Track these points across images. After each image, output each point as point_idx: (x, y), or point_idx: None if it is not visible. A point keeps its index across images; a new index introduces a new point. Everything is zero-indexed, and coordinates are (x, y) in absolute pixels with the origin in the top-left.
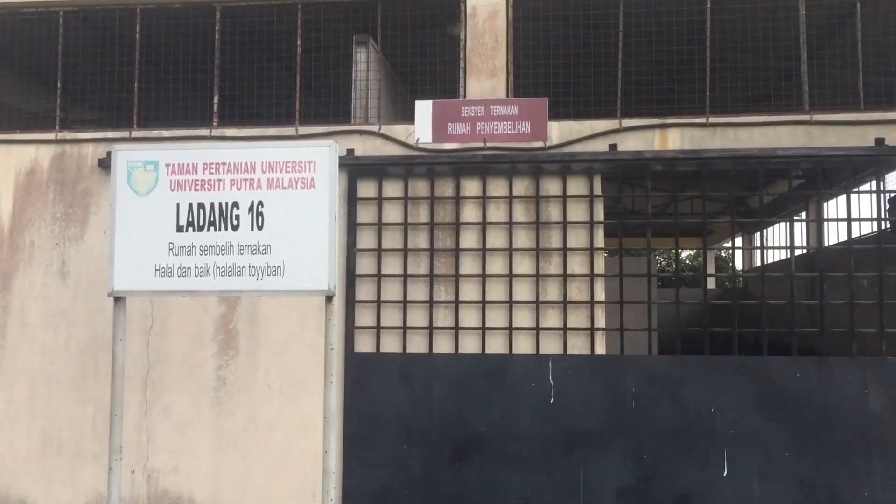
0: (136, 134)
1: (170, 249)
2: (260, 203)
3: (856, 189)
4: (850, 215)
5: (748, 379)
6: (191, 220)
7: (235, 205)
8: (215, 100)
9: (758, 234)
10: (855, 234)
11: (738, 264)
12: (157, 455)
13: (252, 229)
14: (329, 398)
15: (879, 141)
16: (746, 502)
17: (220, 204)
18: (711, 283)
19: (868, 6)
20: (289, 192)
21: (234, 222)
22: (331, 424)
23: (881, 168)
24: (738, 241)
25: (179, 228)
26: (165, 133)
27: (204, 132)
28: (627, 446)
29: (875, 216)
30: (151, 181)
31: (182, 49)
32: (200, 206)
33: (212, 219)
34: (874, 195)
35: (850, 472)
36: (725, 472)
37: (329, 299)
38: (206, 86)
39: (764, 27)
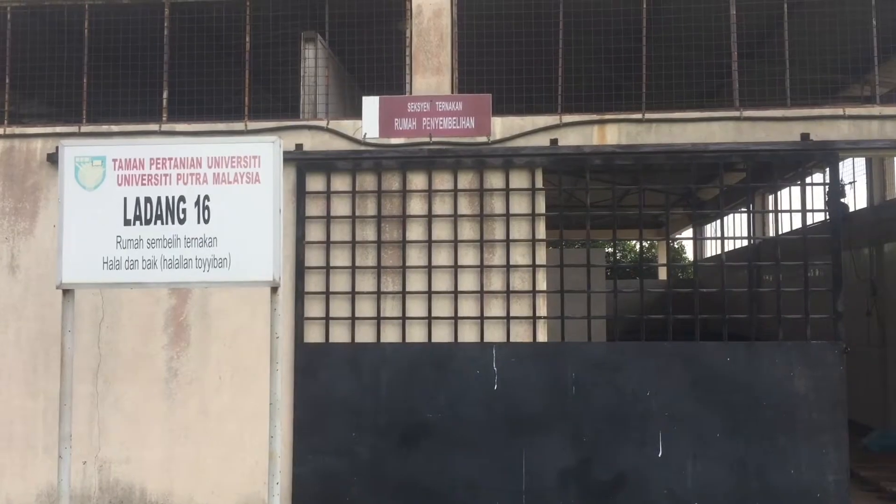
0: (85, 129)
1: (117, 243)
2: (206, 197)
3: (796, 183)
4: (777, 207)
5: (682, 363)
6: (138, 214)
7: (182, 199)
8: (164, 95)
9: (708, 227)
10: (794, 227)
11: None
12: (109, 446)
13: (199, 223)
14: (274, 385)
15: (805, 136)
16: (680, 481)
17: (167, 198)
18: (669, 274)
19: (795, 10)
20: (234, 187)
21: (181, 216)
22: (276, 410)
23: (805, 162)
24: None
25: (127, 222)
26: (115, 128)
27: (153, 127)
28: (568, 430)
29: (817, 208)
30: (99, 176)
31: (131, 44)
32: (147, 200)
33: (159, 213)
34: (810, 188)
35: (778, 452)
36: (660, 453)
37: (274, 290)
38: (157, 81)
39: (706, 26)
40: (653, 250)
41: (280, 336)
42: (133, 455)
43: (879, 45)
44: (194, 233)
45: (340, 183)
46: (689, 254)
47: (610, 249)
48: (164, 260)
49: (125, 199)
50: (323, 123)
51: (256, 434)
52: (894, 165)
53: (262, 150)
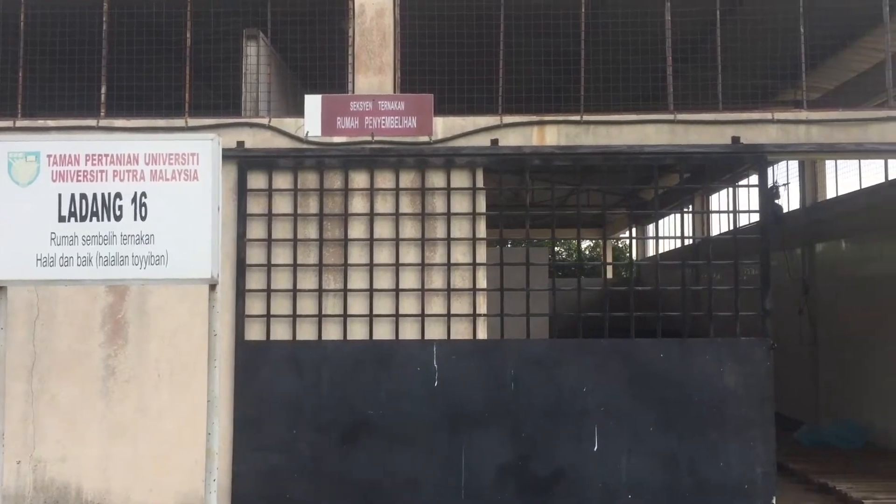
0: (20, 123)
1: (52, 239)
2: (143, 194)
3: (729, 185)
4: (707, 208)
5: (618, 360)
6: (73, 210)
7: (118, 196)
8: (103, 90)
9: (650, 227)
10: (736, 227)
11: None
12: (44, 445)
13: (135, 220)
14: (213, 382)
15: (735, 139)
16: (615, 476)
17: (103, 195)
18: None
19: (728, 18)
20: (172, 184)
21: (117, 213)
22: (214, 408)
23: (738, 164)
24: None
25: (61, 219)
26: (51, 123)
27: (91, 122)
28: (507, 426)
29: (750, 209)
30: (33, 172)
31: (69, 38)
32: (83, 196)
33: (94, 209)
34: (746, 190)
35: (708, 446)
36: (596, 448)
37: (212, 287)
38: (95, 76)
39: (643, 31)
40: (598, 250)
41: (219, 334)
42: (69, 454)
43: (807, 52)
44: (131, 230)
45: (282, 181)
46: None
47: (555, 248)
48: (100, 257)
49: (60, 195)
50: (265, 121)
51: (195, 432)
52: (826, 168)
53: (201, 147)
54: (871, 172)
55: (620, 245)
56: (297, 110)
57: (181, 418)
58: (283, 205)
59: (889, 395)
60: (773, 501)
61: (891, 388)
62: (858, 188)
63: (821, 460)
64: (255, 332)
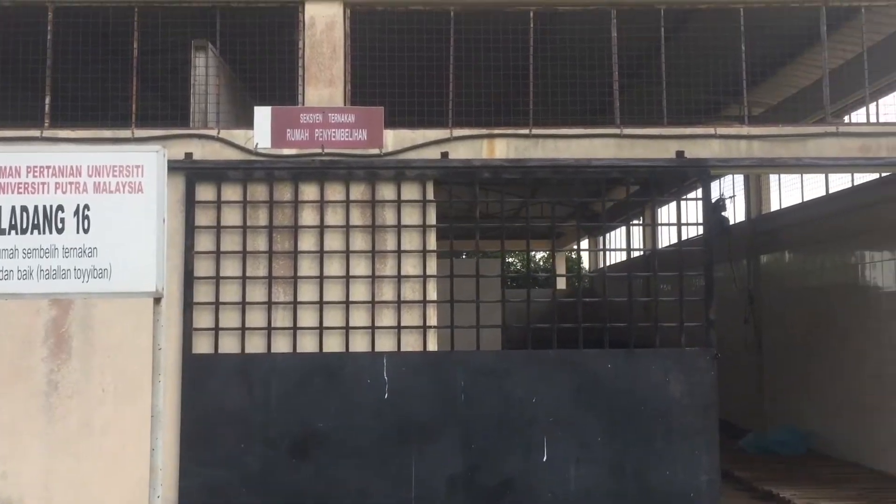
0: None
1: None
2: (86, 206)
3: (674, 199)
4: (655, 221)
5: (566, 371)
6: (13, 222)
7: (60, 208)
8: (47, 100)
9: (602, 239)
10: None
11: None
12: None
13: (78, 232)
14: (157, 397)
15: (680, 154)
16: (563, 485)
17: (45, 207)
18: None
19: (673, 35)
20: (116, 196)
21: (59, 225)
22: (158, 423)
23: (682, 178)
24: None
25: (1, 231)
26: None
27: (35, 133)
28: (457, 437)
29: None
30: None
31: (13, 47)
32: (24, 209)
33: (35, 222)
34: (693, 203)
35: (654, 454)
36: (545, 458)
37: (157, 301)
38: (39, 85)
39: (591, 47)
40: (551, 261)
41: (165, 347)
42: (10, 469)
43: (749, 69)
44: (73, 242)
45: (231, 193)
46: (586, 264)
47: (508, 260)
48: (41, 270)
49: (0, 207)
50: (214, 132)
51: (141, 447)
52: (770, 181)
53: (146, 159)
54: (814, 186)
55: (574, 256)
56: (247, 122)
57: (126, 433)
58: (232, 217)
59: (830, 403)
60: None
61: (831, 395)
62: (800, 201)
63: (765, 467)
64: (203, 346)
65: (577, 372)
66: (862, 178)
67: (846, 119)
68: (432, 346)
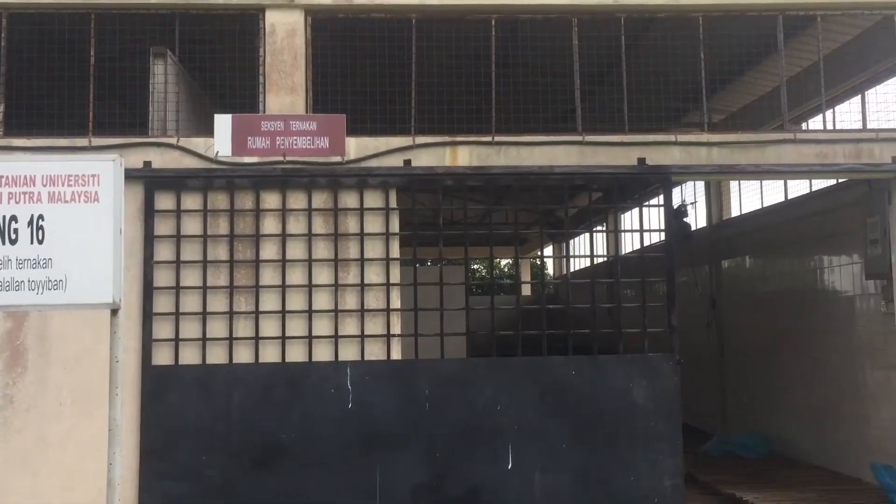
0: None
1: None
2: (40, 217)
3: (637, 205)
4: (618, 228)
5: (531, 378)
6: None
7: (14, 218)
8: (1, 108)
9: (565, 245)
10: (645, 244)
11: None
12: None
13: (32, 243)
14: (114, 410)
15: (641, 161)
16: (528, 492)
17: None
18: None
19: (633, 43)
20: (71, 206)
21: (13, 236)
22: (115, 437)
23: (644, 185)
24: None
25: None
26: None
27: None
28: (422, 446)
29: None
30: None
31: None
32: None
33: None
34: (656, 210)
35: (619, 459)
36: (510, 465)
37: (114, 312)
38: None
39: (553, 55)
40: (515, 268)
41: (124, 359)
42: None
43: (708, 76)
44: (27, 254)
45: (191, 202)
46: (551, 271)
47: (473, 267)
48: None
49: None
50: (173, 140)
51: (99, 461)
52: (731, 187)
53: (102, 168)
54: (773, 191)
55: (539, 263)
56: (207, 130)
57: (85, 447)
58: (192, 226)
59: (791, 407)
60: None
61: (792, 399)
62: (760, 207)
63: (729, 471)
64: (163, 357)
65: (542, 379)
66: (819, 184)
67: (804, 126)
68: (396, 354)
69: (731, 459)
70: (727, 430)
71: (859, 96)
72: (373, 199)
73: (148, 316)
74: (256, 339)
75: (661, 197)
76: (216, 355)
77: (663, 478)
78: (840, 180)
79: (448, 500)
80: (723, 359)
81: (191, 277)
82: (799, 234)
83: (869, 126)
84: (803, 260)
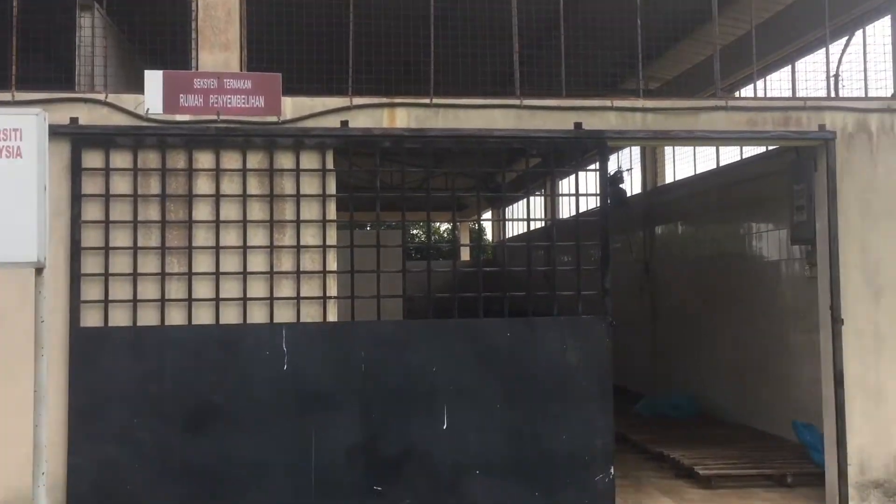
0: None
1: None
2: None
3: (574, 170)
4: (556, 192)
5: (467, 339)
6: None
7: None
8: None
9: (508, 209)
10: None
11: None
12: None
13: None
14: (40, 372)
15: (578, 125)
16: (463, 451)
17: None
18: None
19: (573, 7)
20: None
21: None
22: (41, 399)
23: (580, 149)
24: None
25: None
26: None
27: None
28: (357, 407)
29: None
30: None
31: None
32: None
33: None
34: (593, 175)
35: (551, 419)
36: (445, 426)
37: (38, 271)
38: None
39: (493, 17)
40: (456, 232)
41: (51, 321)
42: None
43: (644, 43)
44: None
45: (121, 160)
46: (490, 236)
47: (413, 232)
48: None
49: None
50: (101, 97)
51: (28, 425)
52: (665, 154)
53: (24, 122)
54: (706, 159)
55: (477, 227)
56: (137, 86)
57: (9, 410)
58: (122, 185)
59: (718, 368)
60: (612, 471)
61: (720, 361)
62: (693, 174)
63: (658, 431)
64: (92, 319)
65: (477, 340)
66: (750, 152)
67: (737, 94)
68: (333, 316)
69: (660, 419)
70: (658, 390)
71: (790, 66)
72: (309, 161)
73: (76, 277)
74: (189, 300)
75: (598, 162)
76: (148, 317)
77: (594, 437)
78: (769, 148)
79: (383, 460)
80: (655, 322)
81: (121, 238)
82: (729, 200)
83: (798, 95)
84: (733, 226)
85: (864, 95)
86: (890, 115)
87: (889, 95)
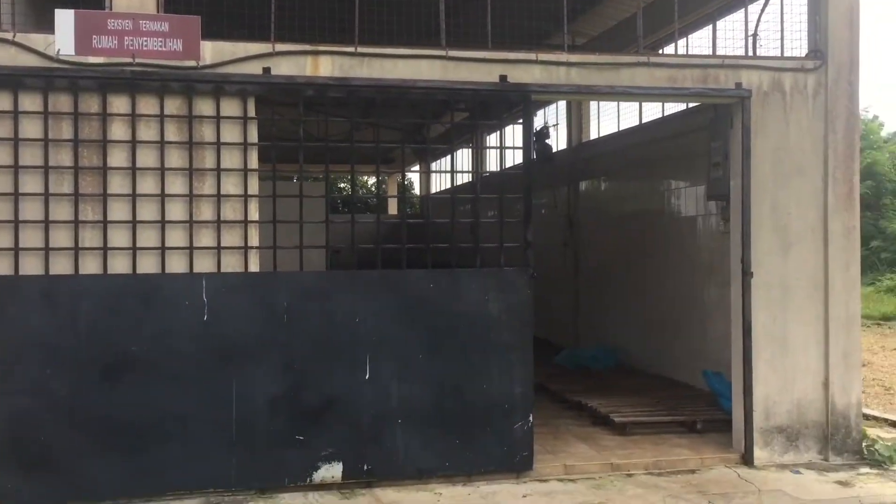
0: None
1: None
2: None
3: (498, 124)
4: (482, 146)
5: (390, 291)
6: None
7: None
8: None
9: (436, 163)
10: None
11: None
12: None
13: None
14: None
15: (503, 78)
16: (385, 401)
17: None
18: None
19: None
20: None
21: None
22: None
23: (505, 102)
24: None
25: None
26: None
27: None
28: (279, 358)
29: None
30: None
31: None
32: None
33: None
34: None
35: (472, 369)
36: (367, 376)
37: None
38: None
39: None
40: (384, 186)
41: None
42: None
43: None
44: None
45: (30, 103)
46: (417, 189)
47: (341, 185)
48: None
49: None
50: (9, 35)
51: None
52: (590, 110)
53: None
54: (629, 116)
55: (405, 181)
56: (48, 26)
57: None
58: (31, 129)
59: (636, 321)
60: (531, 419)
61: (638, 314)
62: (616, 130)
63: (577, 381)
64: (2, 267)
65: (400, 291)
66: (671, 109)
67: (660, 52)
68: (254, 267)
69: (580, 370)
70: (579, 343)
71: (711, 25)
72: (230, 108)
73: None
74: (105, 249)
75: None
76: (61, 266)
77: (514, 386)
78: (690, 105)
79: (305, 410)
80: (577, 276)
81: (31, 184)
82: (651, 156)
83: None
84: (654, 182)
85: (780, 55)
86: (804, 75)
87: (803, 56)
